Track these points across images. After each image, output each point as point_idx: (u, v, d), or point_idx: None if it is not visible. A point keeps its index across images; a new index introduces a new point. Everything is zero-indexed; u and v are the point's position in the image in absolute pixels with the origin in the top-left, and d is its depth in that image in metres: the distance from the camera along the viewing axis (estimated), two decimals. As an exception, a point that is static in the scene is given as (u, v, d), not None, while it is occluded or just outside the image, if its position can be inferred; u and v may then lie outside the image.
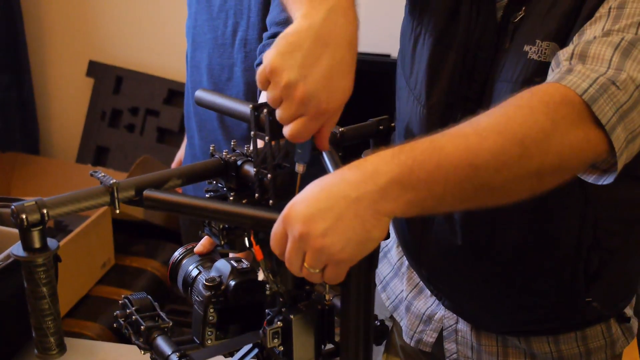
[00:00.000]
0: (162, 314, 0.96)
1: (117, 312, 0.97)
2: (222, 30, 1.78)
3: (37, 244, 0.78)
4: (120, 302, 0.97)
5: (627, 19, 0.85)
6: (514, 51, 0.99)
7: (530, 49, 0.97)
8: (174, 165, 2.13)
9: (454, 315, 1.23)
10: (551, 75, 0.86)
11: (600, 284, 1.11)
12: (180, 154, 2.12)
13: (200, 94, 1.01)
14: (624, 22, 0.85)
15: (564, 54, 0.87)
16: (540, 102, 0.79)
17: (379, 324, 0.95)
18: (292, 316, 0.88)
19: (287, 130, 0.79)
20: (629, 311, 1.22)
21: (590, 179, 0.87)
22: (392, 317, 1.36)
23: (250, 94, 1.76)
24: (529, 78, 0.95)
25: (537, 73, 0.95)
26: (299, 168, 0.86)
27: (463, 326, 1.22)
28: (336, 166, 0.91)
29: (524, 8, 0.99)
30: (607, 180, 0.85)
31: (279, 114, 0.79)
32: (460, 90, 1.07)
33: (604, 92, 0.79)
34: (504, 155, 0.75)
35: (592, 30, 0.87)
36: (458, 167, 0.74)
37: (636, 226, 1.11)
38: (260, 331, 0.90)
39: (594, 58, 0.83)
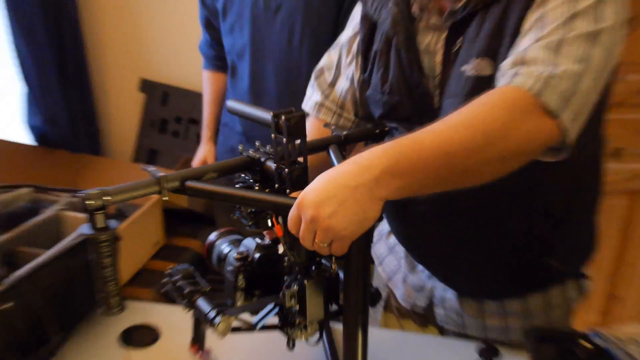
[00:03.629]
0: (202, 280, 0.97)
1: (165, 279, 0.98)
2: (286, 42, 1.72)
3: (100, 224, 0.80)
4: (167, 271, 0.99)
5: (550, 25, 0.86)
6: (454, 73, 0.99)
7: (467, 68, 0.96)
8: (195, 163, 2.12)
9: (442, 285, 1.23)
10: (501, 80, 0.86)
11: (557, 247, 1.11)
12: (201, 155, 2.11)
13: (231, 104, 1.03)
14: (548, 29, 0.86)
15: (505, 65, 0.87)
16: (499, 99, 0.81)
17: (374, 289, 0.96)
18: (306, 281, 0.90)
19: None
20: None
21: (548, 157, 0.87)
22: (387, 286, 1.37)
23: None
24: (469, 91, 0.95)
25: (475, 86, 0.94)
26: None
27: (450, 295, 1.22)
28: (339, 162, 0.92)
29: (460, 40, 0.99)
30: (562, 155, 0.86)
31: None
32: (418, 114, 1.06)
33: (548, 85, 0.81)
34: (471, 144, 0.76)
35: (524, 42, 0.88)
36: (436, 157, 0.75)
37: (574, 200, 1.10)
38: (280, 294, 0.92)
39: (533, 61, 0.84)
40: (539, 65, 0.83)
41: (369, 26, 1.12)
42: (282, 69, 1.76)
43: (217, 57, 1.96)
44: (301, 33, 1.71)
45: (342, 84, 1.19)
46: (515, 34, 0.91)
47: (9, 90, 2.46)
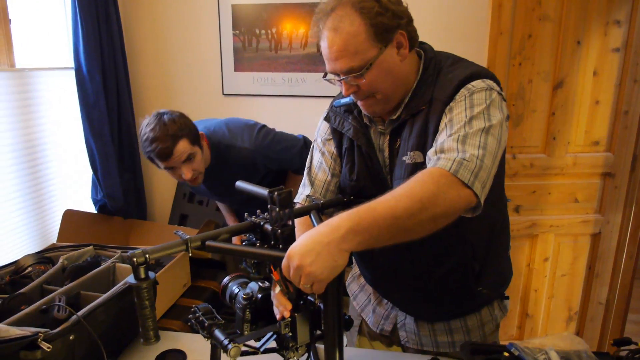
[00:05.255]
0: (218, 316, 0.94)
1: (190, 315, 0.95)
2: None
3: (142, 276, 0.79)
4: (192, 309, 0.97)
5: (456, 125, 0.89)
6: (398, 162, 1.01)
7: (405, 158, 0.98)
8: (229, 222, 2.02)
9: (403, 313, 1.21)
10: (429, 164, 0.88)
11: (484, 278, 1.10)
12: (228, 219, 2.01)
13: (238, 184, 1.03)
14: (456, 127, 0.89)
15: (430, 153, 0.90)
16: (429, 177, 0.82)
17: (347, 317, 0.94)
18: (296, 314, 0.88)
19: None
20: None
21: (468, 214, 0.87)
22: (360, 316, 1.34)
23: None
24: (408, 174, 0.96)
25: (412, 170, 0.96)
26: None
27: (409, 320, 1.20)
28: (318, 223, 0.92)
29: (399, 139, 1.02)
30: (477, 212, 0.87)
31: None
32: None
33: (461, 166, 0.82)
34: (411, 209, 0.76)
35: (441, 137, 0.90)
36: (385, 219, 0.75)
37: (491, 243, 1.10)
38: (277, 324, 0.90)
39: (448, 150, 0.86)
40: (453, 153, 0.85)
41: (338, 135, 1.13)
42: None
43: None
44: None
45: (327, 177, 1.15)
46: (435, 133, 0.94)
47: (81, 175, 2.46)
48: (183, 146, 1.48)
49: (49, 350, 0.91)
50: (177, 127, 1.48)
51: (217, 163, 1.63)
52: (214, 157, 1.64)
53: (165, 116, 1.49)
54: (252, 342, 0.96)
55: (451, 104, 0.93)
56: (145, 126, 1.50)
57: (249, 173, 1.65)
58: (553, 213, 2.11)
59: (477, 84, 0.93)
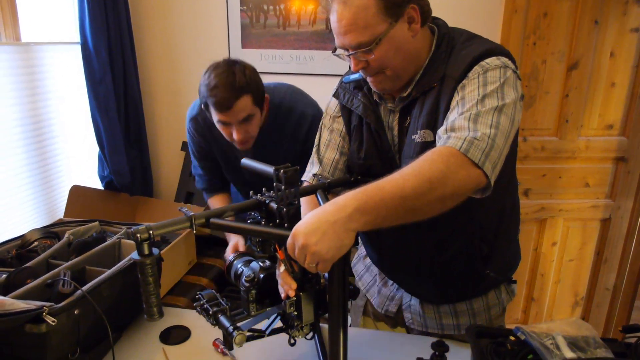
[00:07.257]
0: (222, 301, 0.93)
1: (195, 303, 0.94)
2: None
3: (146, 252, 0.78)
4: (196, 296, 0.95)
5: (468, 103, 0.86)
6: (407, 141, 0.99)
7: (415, 136, 0.96)
8: (230, 249, 1.40)
9: (408, 294, 1.20)
10: (439, 143, 0.86)
11: (492, 261, 1.08)
12: (234, 242, 1.41)
13: (244, 161, 1.01)
14: (468, 106, 0.86)
15: (440, 131, 0.87)
16: (438, 156, 0.80)
17: (352, 287, 0.93)
18: (301, 293, 0.88)
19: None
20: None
21: (477, 195, 0.85)
22: (365, 296, 1.33)
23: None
24: (417, 153, 0.94)
25: (422, 149, 0.94)
26: None
27: (414, 302, 1.19)
28: (324, 202, 0.90)
29: (409, 117, 1.00)
30: (487, 193, 0.84)
31: None
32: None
33: (471, 145, 0.80)
34: (419, 189, 0.74)
35: (452, 115, 0.88)
36: (393, 198, 0.73)
37: (500, 226, 1.09)
38: (282, 303, 0.89)
39: (459, 128, 0.84)
40: (464, 131, 0.83)
41: (347, 112, 1.10)
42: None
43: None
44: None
45: (335, 156, 1.13)
46: (446, 111, 0.91)
47: (88, 151, 2.46)
48: (245, 103, 1.32)
49: (53, 324, 0.92)
50: (246, 81, 1.32)
51: (271, 126, 1.47)
52: (270, 119, 1.47)
53: (236, 65, 1.34)
54: (257, 325, 0.95)
55: (464, 81, 0.90)
56: (211, 70, 1.33)
57: (298, 143, 1.48)
58: (563, 197, 2.08)
59: (492, 61, 0.90)
